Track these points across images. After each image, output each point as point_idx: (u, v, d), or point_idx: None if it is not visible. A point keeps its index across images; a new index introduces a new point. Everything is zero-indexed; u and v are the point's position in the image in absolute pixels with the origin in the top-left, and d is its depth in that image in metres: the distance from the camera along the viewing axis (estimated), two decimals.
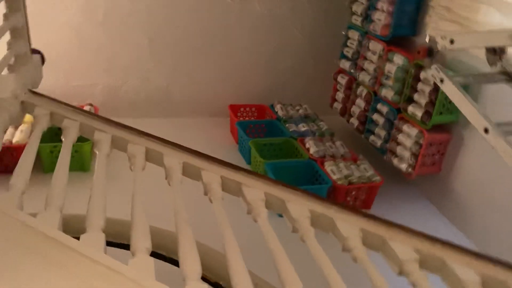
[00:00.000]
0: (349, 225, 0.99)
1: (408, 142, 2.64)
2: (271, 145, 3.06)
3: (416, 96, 2.61)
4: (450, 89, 1.88)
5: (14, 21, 1.47)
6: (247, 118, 3.66)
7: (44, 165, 2.66)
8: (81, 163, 2.73)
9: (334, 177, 2.62)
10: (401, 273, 0.94)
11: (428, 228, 2.68)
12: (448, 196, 2.73)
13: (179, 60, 3.52)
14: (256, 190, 1.08)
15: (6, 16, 1.46)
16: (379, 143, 2.95)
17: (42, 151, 2.60)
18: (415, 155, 2.62)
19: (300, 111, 3.50)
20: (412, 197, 2.93)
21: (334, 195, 2.62)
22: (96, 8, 3.15)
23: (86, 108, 3.13)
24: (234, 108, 3.59)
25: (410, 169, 2.64)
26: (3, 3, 1.47)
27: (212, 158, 1.22)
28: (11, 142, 2.60)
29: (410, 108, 2.63)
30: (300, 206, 1.05)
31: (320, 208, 1.05)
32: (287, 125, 3.24)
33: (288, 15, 3.54)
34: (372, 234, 0.98)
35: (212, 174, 1.15)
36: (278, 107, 3.50)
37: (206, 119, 3.76)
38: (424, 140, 2.54)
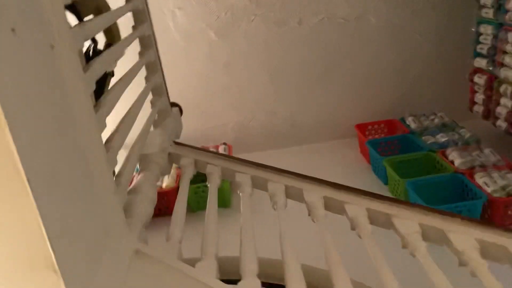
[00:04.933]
0: None
1: None
2: (408, 162, 2.87)
3: None
4: None
5: (154, 82, 1.63)
6: (376, 136, 3.51)
7: (190, 205, 2.85)
8: (222, 200, 2.85)
9: (489, 189, 2.34)
10: None
11: None
12: None
13: (300, 89, 3.55)
14: (410, 222, 0.99)
15: (147, 79, 1.62)
16: None
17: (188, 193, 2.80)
18: None
19: (436, 120, 3.25)
20: None
21: (492, 210, 2.33)
22: (219, 53, 3.36)
23: (221, 147, 3.31)
24: (361, 127, 3.47)
25: None
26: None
27: (354, 189, 1.17)
28: (161, 187, 2.86)
29: None
30: (464, 235, 0.93)
31: (489, 236, 0.92)
32: (423, 137, 3.02)
33: (407, 22, 3.36)
34: None
35: (357, 207, 1.09)
36: (409, 120, 3.30)
37: (334, 142, 3.70)
38: None
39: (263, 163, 1.47)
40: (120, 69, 1.56)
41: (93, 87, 0.97)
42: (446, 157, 2.73)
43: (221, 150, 3.28)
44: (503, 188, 2.34)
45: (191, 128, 3.57)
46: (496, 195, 2.31)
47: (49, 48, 0.77)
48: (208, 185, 1.33)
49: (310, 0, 3.25)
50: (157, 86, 1.66)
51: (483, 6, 2.94)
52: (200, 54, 3.36)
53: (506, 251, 0.88)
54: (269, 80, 3.49)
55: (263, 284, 1.22)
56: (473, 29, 3.10)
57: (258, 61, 3.42)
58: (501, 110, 2.89)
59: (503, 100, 2.87)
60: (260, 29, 3.31)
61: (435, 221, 1.00)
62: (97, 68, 1.00)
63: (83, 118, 0.88)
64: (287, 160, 3.53)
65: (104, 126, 0.99)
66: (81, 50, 1.18)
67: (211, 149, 3.30)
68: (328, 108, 3.63)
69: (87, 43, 1.54)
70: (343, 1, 3.27)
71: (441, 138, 2.96)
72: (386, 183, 2.92)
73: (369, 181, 3.04)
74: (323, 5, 3.28)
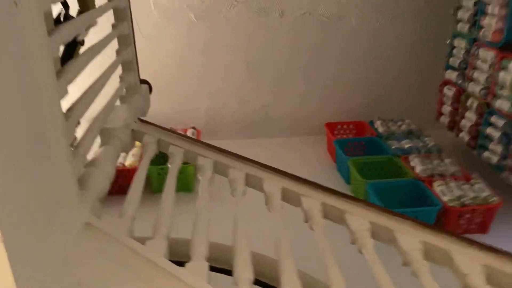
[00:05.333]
0: (469, 260, 0.88)
1: None
2: (372, 164, 2.93)
3: None
4: None
5: (125, 56, 1.59)
6: (344, 136, 3.57)
7: (152, 186, 2.83)
8: (185, 184, 2.86)
9: (445, 198, 2.41)
10: None
11: None
12: None
13: (276, 81, 3.56)
14: (361, 219, 1.02)
15: (118, 52, 1.59)
16: (495, 159, 2.66)
17: (151, 173, 2.78)
18: None
19: (403, 126, 3.32)
20: None
21: (445, 218, 2.41)
22: (198, 36, 3.33)
23: (190, 131, 3.29)
24: (331, 126, 3.52)
25: None
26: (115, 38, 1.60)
27: (312, 183, 1.18)
28: (124, 165, 2.82)
29: None
30: (411, 236, 0.96)
31: (434, 239, 0.95)
32: (388, 142, 3.09)
33: (386, 27, 3.41)
34: (498, 272, 0.86)
35: (313, 201, 1.11)
36: (378, 123, 3.36)
37: (303, 138, 3.73)
38: None
39: (232, 150, 1.46)
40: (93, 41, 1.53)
41: (58, 51, 0.95)
42: (409, 163, 2.80)
43: (189, 134, 3.26)
44: (458, 198, 2.43)
45: (161, 108, 3.52)
46: (451, 204, 2.39)
47: (13, 4, 0.74)
48: (169, 166, 1.32)
49: None
50: (128, 61, 1.63)
51: (460, 21, 3.01)
52: (178, 34, 3.32)
53: (447, 255, 0.92)
54: (246, 69, 3.48)
55: (212, 268, 1.22)
56: (448, 42, 3.18)
57: (236, 48, 3.40)
58: (465, 123, 2.99)
59: (468, 114, 2.96)
60: (241, 16, 3.29)
61: (385, 221, 1.02)
62: (65, 32, 0.97)
63: (44, 82, 0.85)
64: (255, 150, 3.51)
65: (65, 93, 0.97)
66: (49, 13, 1.14)
67: (180, 132, 3.29)
68: (301, 103, 3.66)
69: (58, 9, 1.49)
70: None
71: (406, 144, 3.03)
72: (348, 182, 2.97)
73: (333, 179, 3.09)
74: (306, 0, 3.28)
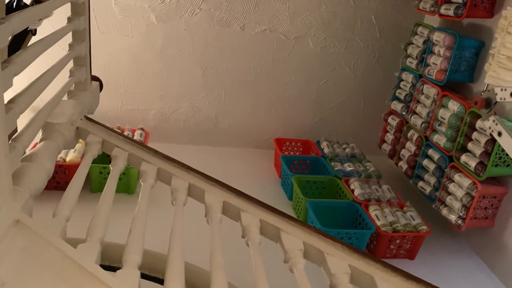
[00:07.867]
0: (391, 287, 0.93)
1: (459, 193, 2.51)
2: (314, 183, 3.01)
3: (470, 146, 2.50)
4: (508, 143, 1.79)
5: (78, 51, 1.56)
6: (292, 153, 3.64)
7: (92, 185, 2.74)
8: (127, 186, 2.80)
9: (378, 222, 2.53)
10: None
11: (475, 284, 2.51)
12: (500, 253, 2.55)
13: (230, 91, 3.58)
14: (295, 239, 1.05)
15: (71, 46, 1.55)
16: (428, 190, 2.82)
17: (92, 172, 2.69)
18: (466, 207, 2.48)
19: (347, 149, 3.44)
20: (460, 250, 2.76)
21: (377, 242, 2.52)
22: (156, 37, 3.29)
23: (138, 132, 3.23)
24: (279, 142, 3.58)
25: (459, 221, 2.50)
26: (70, 33, 1.56)
27: (253, 199, 1.21)
28: (64, 160, 2.72)
29: (463, 158, 2.51)
30: (340, 260, 1.01)
31: (361, 264, 1.00)
32: (332, 163, 3.19)
33: (341, 53, 3.54)
34: None
35: (251, 217, 1.13)
36: (324, 144, 3.47)
37: (252, 150, 3.78)
38: (476, 192, 2.41)
39: (179, 156, 1.46)
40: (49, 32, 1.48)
41: (6, 42, 0.91)
42: (348, 186, 2.91)
43: (137, 134, 3.20)
44: (391, 224, 2.55)
45: (111, 105, 3.46)
46: (383, 229, 2.50)
47: None
48: (111, 168, 1.30)
49: (257, 9, 3.31)
50: (80, 56, 1.59)
51: (409, 56, 3.19)
52: (136, 33, 3.27)
53: (371, 280, 0.97)
54: (201, 77, 3.48)
55: (145, 276, 1.21)
56: (396, 74, 3.35)
57: (193, 54, 3.40)
58: (405, 153, 3.15)
59: (408, 144, 3.12)
60: (202, 24, 3.30)
61: (318, 242, 1.06)
62: (15, 23, 0.94)
63: None
64: (202, 158, 3.53)
65: (9, 84, 0.94)
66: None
67: (127, 132, 3.22)
68: (252, 116, 3.70)
69: None
70: (287, 19, 3.37)
71: (348, 167, 3.14)
72: (291, 199, 3.03)
73: (276, 194, 3.14)
74: (267, 17, 3.35)
